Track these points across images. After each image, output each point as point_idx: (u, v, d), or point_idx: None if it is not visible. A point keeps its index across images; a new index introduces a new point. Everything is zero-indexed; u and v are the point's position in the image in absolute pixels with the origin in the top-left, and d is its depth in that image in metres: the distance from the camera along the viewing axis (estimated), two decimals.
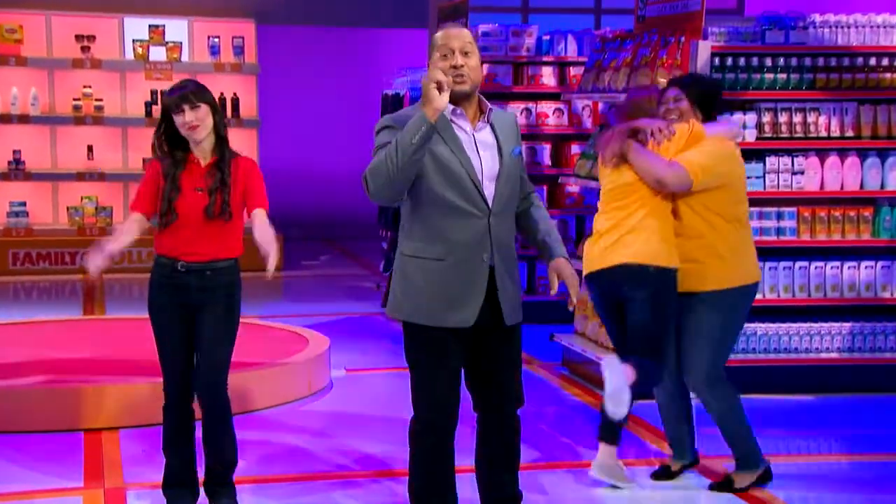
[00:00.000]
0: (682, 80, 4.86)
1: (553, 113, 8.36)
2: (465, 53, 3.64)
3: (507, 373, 3.81)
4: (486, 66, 8.35)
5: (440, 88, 3.49)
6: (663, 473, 4.86)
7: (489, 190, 3.67)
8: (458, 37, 3.67)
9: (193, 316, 4.26)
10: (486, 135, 3.72)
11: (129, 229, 4.25)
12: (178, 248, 4.22)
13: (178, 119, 4.15)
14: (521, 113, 8.29)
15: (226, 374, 4.35)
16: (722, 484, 4.74)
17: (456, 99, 3.65)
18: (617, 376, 4.42)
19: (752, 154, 6.00)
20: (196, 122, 4.14)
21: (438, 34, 3.71)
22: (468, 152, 3.66)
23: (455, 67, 3.61)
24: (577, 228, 8.28)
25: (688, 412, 4.83)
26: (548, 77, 8.49)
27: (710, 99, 4.76)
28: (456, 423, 3.76)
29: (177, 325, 4.26)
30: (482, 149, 3.70)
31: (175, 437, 4.38)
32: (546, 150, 8.36)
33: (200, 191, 4.19)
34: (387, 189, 3.58)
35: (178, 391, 4.34)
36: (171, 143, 4.23)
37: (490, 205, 3.67)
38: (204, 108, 4.16)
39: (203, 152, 4.22)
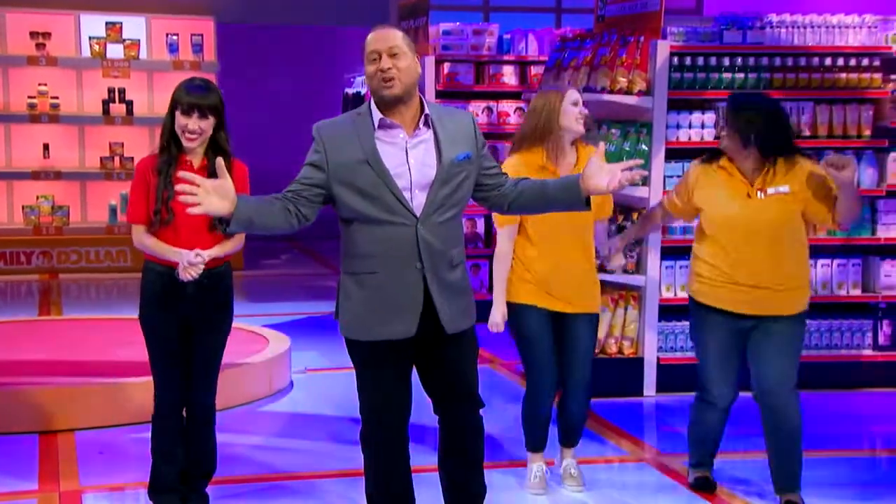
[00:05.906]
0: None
1: (514, 112, 8.38)
2: (394, 55, 3.46)
3: (462, 374, 3.73)
4: (447, 64, 8.37)
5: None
6: (706, 485, 4.70)
7: (419, 198, 3.53)
8: (385, 38, 3.48)
9: (190, 325, 4.20)
10: (423, 140, 3.54)
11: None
12: None
13: (182, 120, 4.06)
14: (483, 112, 8.31)
15: (216, 384, 4.35)
16: None
17: (387, 104, 3.51)
18: None
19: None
20: (197, 133, 4.07)
21: (368, 37, 3.51)
22: (388, 163, 3.51)
23: (382, 71, 3.45)
24: None
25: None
26: (509, 76, 8.51)
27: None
28: (404, 428, 3.72)
29: (174, 338, 4.18)
30: (413, 157, 3.52)
31: (170, 447, 4.29)
32: (507, 149, 8.36)
33: None
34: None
35: (173, 402, 4.26)
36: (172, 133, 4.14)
37: (417, 212, 3.53)
38: (211, 120, 4.09)
39: (194, 154, 4.14)
